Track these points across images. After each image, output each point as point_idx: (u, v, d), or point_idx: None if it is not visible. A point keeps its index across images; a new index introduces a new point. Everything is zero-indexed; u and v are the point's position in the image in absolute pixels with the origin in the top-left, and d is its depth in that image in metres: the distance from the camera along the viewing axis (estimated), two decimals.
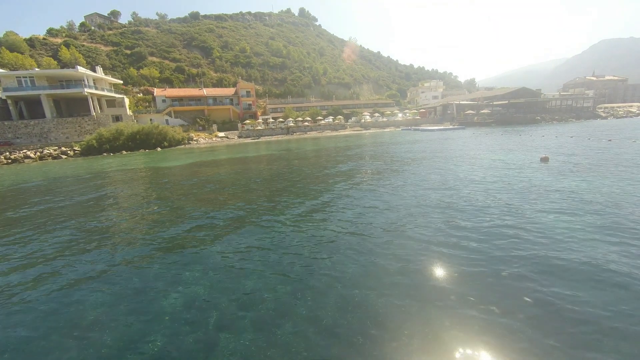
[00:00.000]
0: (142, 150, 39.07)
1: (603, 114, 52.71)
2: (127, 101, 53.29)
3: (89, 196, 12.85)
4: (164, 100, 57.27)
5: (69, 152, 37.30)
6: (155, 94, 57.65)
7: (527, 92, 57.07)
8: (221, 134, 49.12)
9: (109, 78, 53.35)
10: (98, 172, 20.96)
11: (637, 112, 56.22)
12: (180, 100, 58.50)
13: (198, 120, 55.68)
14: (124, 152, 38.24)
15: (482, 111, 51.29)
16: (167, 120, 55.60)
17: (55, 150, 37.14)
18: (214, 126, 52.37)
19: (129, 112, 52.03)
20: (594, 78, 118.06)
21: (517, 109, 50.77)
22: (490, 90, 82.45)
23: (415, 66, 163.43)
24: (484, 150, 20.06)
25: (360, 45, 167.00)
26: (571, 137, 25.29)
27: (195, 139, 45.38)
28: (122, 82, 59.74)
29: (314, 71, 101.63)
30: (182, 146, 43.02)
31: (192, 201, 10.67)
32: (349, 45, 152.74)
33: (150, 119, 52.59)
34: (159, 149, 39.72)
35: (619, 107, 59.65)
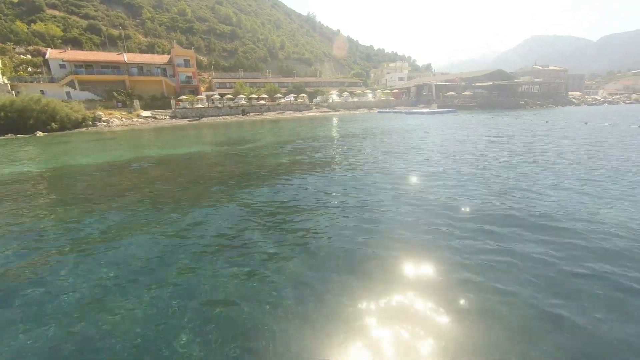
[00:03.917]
0: (9, 136, 25.61)
1: (575, 101, 51.43)
2: None
3: None
4: (62, 66, 41.57)
5: None
6: (47, 56, 41.50)
7: (504, 75, 53.42)
8: (146, 113, 36.36)
9: None
10: None
11: (602, 99, 56.56)
12: (88, 66, 43.16)
13: (115, 94, 41.52)
14: None
15: (464, 93, 45.97)
16: (68, 93, 40.63)
17: None
18: (136, 103, 39.05)
19: (1, 79, 36.14)
20: (540, 67, 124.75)
21: (499, 92, 46.43)
22: (446, 75, 78.88)
23: (376, 48, 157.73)
24: None
25: (320, 22, 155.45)
26: (610, 124, 19.87)
27: (105, 118, 32.32)
28: None
29: (270, 44, 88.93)
30: (84, 129, 30.04)
31: None
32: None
33: (42, 90, 37.45)
34: (39, 133, 26.47)
35: (586, 95, 59.93)
